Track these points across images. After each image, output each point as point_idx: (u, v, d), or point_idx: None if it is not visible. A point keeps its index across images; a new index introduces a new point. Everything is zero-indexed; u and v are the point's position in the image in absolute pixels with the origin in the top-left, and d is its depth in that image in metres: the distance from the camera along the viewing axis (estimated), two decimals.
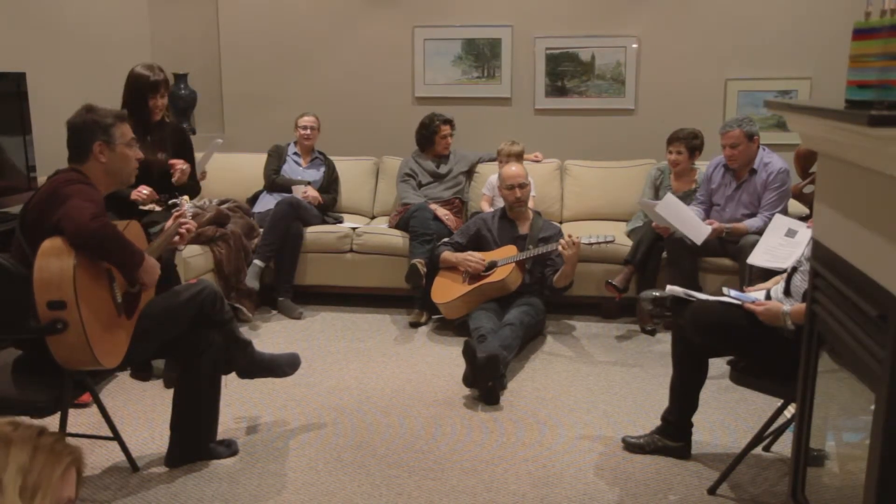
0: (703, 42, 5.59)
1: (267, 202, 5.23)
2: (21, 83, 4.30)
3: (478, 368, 3.60)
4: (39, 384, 2.63)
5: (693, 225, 4.31)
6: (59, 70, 4.86)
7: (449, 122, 5.35)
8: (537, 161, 5.49)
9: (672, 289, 3.02)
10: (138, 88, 3.71)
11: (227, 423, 3.37)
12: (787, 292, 2.76)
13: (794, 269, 2.77)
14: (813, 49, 5.39)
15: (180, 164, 3.75)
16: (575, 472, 2.99)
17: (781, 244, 3.55)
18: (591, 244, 4.30)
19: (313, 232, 5.06)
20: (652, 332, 4.60)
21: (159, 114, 3.79)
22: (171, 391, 3.00)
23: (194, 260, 4.48)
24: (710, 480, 2.89)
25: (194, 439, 3.02)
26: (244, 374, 3.19)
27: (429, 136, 5.34)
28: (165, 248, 3.03)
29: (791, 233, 3.57)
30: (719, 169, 4.67)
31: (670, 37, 5.61)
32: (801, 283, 2.69)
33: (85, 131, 2.74)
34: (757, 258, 3.71)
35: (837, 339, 2.02)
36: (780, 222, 3.73)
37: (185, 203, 3.10)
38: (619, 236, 4.80)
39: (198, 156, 4.15)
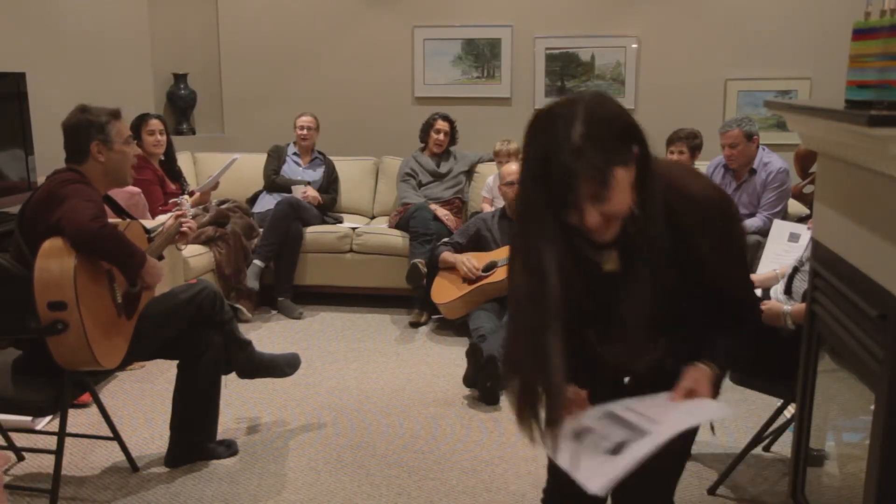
0: (703, 42, 5.59)
1: (267, 202, 5.23)
2: (21, 83, 4.29)
3: (478, 369, 3.60)
4: (39, 384, 2.63)
5: None
6: (59, 70, 4.86)
7: (448, 120, 5.36)
8: None
9: None
10: None
11: (227, 423, 3.37)
12: (787, 292, 2.76)
13: (796, 270, 2.76)
14: (813, 49, 5.39)
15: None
16: None
17: (786, 250, 3.54)
18: None
19: (313, 232, 5.06)
20: None
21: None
22: (171, 391, 3.00)
23: (194, 260, 4.48)
24: (709, 480, 2.88)
25: (194, 439, 3.02)
26: (244, 374, 3.18)
27: (426, 130, 5.38)
28: (166, 247, 3.03)
29: (794, 237, 3.55)
30: (719, 169, 4.67)
31: (670, 37, 5.61)
32: (801, 283, 2.68)
33: (81, 132, 2.72)
34: (765, 269, 3.68)
35: (837, 339, 2.01)
36: (780, 228, 3.71)
37: (186, 203, 3.11)
38: None
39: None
